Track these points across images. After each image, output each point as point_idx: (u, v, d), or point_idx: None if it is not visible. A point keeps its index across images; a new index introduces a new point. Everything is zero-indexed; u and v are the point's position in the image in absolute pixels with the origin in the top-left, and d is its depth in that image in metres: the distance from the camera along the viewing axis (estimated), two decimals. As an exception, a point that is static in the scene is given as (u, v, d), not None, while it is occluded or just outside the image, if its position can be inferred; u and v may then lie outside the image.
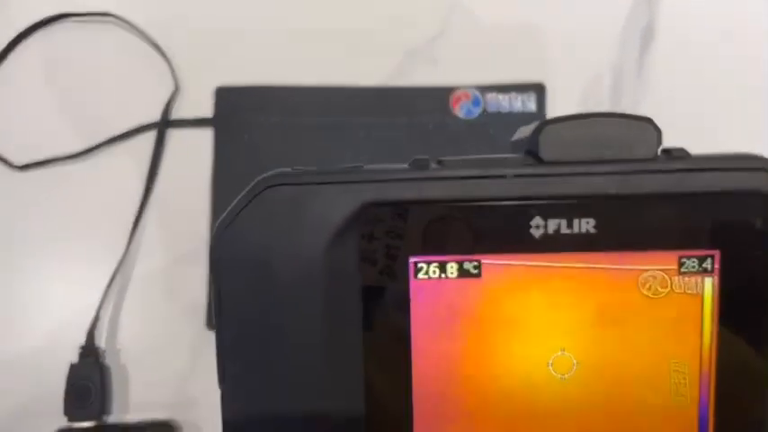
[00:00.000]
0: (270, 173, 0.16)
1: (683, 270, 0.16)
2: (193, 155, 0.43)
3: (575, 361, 0.16)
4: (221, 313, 0.16)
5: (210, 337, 0.39)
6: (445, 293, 0.16)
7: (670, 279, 0.16)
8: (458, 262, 0.16)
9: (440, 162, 0.16)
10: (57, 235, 0.41)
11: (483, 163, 0.16)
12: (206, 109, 0.43)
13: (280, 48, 0.43)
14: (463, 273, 0.16)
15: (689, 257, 0.16)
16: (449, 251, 0.16)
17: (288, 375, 0.16)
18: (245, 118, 0.43)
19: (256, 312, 0.16)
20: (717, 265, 0.16)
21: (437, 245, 0.16)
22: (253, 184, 0.16)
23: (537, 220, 0.16)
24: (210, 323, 0.40)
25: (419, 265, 0.16)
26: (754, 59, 0.42)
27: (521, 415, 0.16)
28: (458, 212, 0.16)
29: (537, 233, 0.16)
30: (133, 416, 0.39)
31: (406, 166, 0.16)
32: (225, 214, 0.16)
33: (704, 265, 0.16)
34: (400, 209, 0.16)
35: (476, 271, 0.16)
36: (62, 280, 0.40)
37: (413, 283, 0.16)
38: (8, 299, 0.40)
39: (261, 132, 0.43)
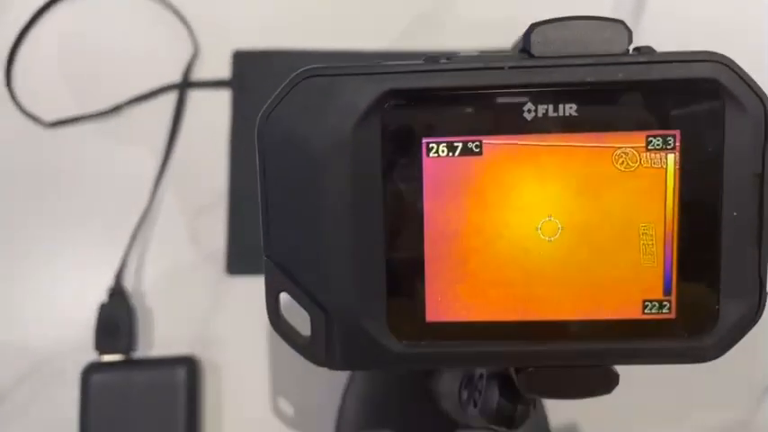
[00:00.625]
0: (305, 68, 0.20)
1: (649, 147, 0.19)
2: (212, 114, 0.46)
3: (559, 225, 0.20)
4: (266, 186, 0.20)
5: (229, 282, 0.42)
6: (452, 169, 0.19)
7: (639, 155, 0.19)
8: (463, 142, 0.19)
9: (448, 58, 0.19)
10: (84, 187, 0.45)
11: (484, 58, 0.19)
12: (224, 71, 0.46)
13: (294, 13, 0.47)
14: (467, 151, 0.19)
15: (654, 137, 0.19)
16: (455, 132, 0.19)
17: (321, 237, 0.19)
18: (260, 80, 0.47)
19: (295, 184, 0.19)
20: (677, 143, 0.19)
21: (445, 127, 0.19)
22: (291, 76, 0.20)
23: (528, 105, 0.19)
24: (229, 269, 0.44)
25: (430, 144, 0.19)
26: (744, 31, 0.45)
27: (514, 271, 0.20)
28: (463, 99, 0.19)
29: (528, 116, 0.19)
30: (157, 352, 0.42)
31: (421, 61, 0.19)
32: (269, 102, 0.20)
33: (667, 143, 0.19)
34: (415, 96, 0.19)
35: (477, 149, 0.19)
36: (90, 229, 0.44)
37: (425, 160, 0.20)
38: (40, 246, 0.43)
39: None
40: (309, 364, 0.42)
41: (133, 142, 0.46)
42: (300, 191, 0.19)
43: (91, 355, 0.41)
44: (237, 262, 0.44)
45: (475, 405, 0.23)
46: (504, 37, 0.45)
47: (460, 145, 0.19)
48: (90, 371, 0.39)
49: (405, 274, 0.20)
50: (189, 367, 0.39)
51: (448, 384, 0.28)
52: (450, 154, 0.19)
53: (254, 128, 0.46)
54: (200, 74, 0.46)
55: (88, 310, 0.42)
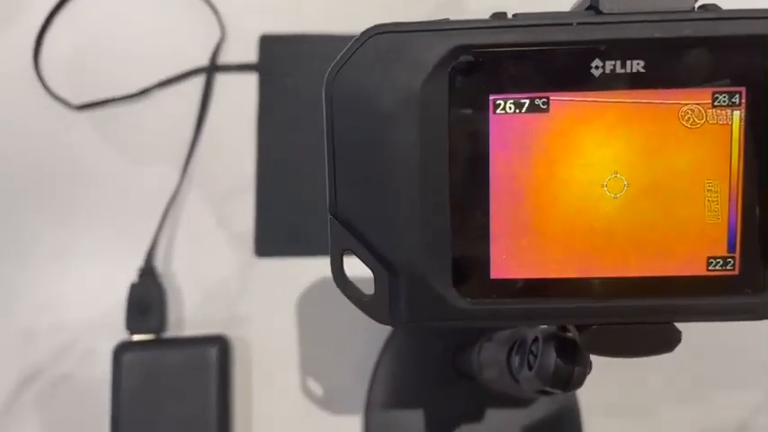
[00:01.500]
0: (374, 25, 0.20)
1: (715, 104, 0.19)
2: (239, 98, 0.46)
3: (625, 182, 0.20)
4: (333, 144, 0.19)
5: (258, 264, 0.42)
6: (519, 125, 0.19)
7: (705, 112, 0.19)
8: (530, 99, 0.19)
9: (515, 15, 0.19)
10: (113, 169, 0.44)
11: (552, 15, 0.19)
12: (251, 55, 0.46)
13: (321, -3, 0.47)
14: (534, 108, 0.19)
15: (720, 93, 0.19)
16: (522, 89, 0.19)
17: (388, 194, 0.19)
18: (287, 64, 0.47)
19: (362, 142, 0.19)
20: (743, 100, 0.19)
21: (513, 84, 0.19)
22: (360, 33, 0.20)
23: (596, 62, 0.19)
24: (258, 251, 0.43)
25: (497, 101, 0.19)
26: None
27: (579, 228, 0.20)
28: (531, 56, 0.19)
29: (596, 73, 0.19)
30: (187, 332, 0.42)
31: (488, 17, 0.19)
32: (337, 59, 0.20)
33: (733, 100, 0.19)
34: (483, 52, 0.19)
35: (545, 106, 0.19)
36: (120, 210, 0.44)
37: (492, 117, 0.19)
38: (71, 227, 0.43)
39: (302, 77, 0.47)
40: (338, 345, 0.41)
41: (161, 125, 0.45)
42: (367, 148, 0.19)
43: (122, 335, 0.40)
44: (266, 245, 0.44)
45: (530, 368, 0.23)
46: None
47: (528, 102, 0.19)
48: (122, 350, 0.39)
49: (470, 231, 0.20)
50: (220, 346, 0.39)
51: (493, 353, 0.28)
52: (518, 111, 0.19)
53: (281, 111, 0.45)
54: (227, 58, 0.46)
55: (119, 290, 0.41)
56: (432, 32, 0.19)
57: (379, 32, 0.19)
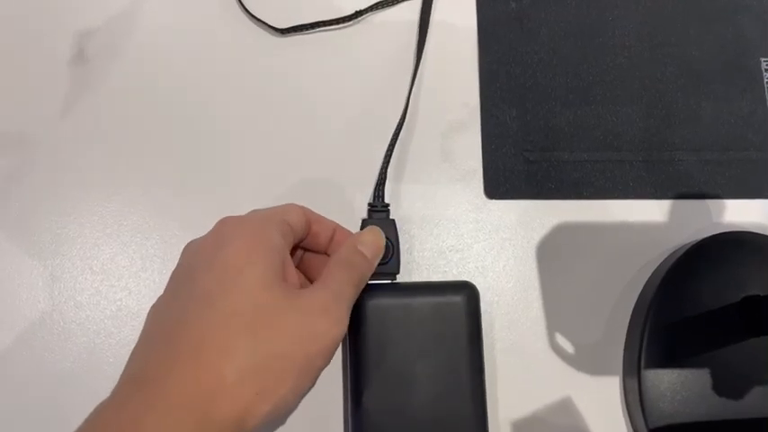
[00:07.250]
0: None
1: None
2: (460, 21, 0.40)
3: None
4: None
5: (489, 206, 0.36)
6: None
7: None
8: None
9: None
10: (325, 96, 0.38)
11: None
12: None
13: None
14: None
15: None
16: None
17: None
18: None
19: None
20: None
21: None
22: None
23: None
24: (488, 192, 0.37)
25: None
26: None
27: None
28: None
29: None
30: (413, 277, 0.36)
31: None
32: None
33: None
34: None
35: None
36: (334, 139, 0.38)
37: None
38: (272, 164, 0.37)
39: None
40: (585, 298, 0.34)
41: (375, 51, 0.39)
42: None
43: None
44: (495, 186, 0.37)
45: None
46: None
47: None
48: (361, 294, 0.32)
49: None
50: (469, 294, 0.32)
51: None
52: None
53: (504, 34, 0.38)
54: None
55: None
56: None
57: None
